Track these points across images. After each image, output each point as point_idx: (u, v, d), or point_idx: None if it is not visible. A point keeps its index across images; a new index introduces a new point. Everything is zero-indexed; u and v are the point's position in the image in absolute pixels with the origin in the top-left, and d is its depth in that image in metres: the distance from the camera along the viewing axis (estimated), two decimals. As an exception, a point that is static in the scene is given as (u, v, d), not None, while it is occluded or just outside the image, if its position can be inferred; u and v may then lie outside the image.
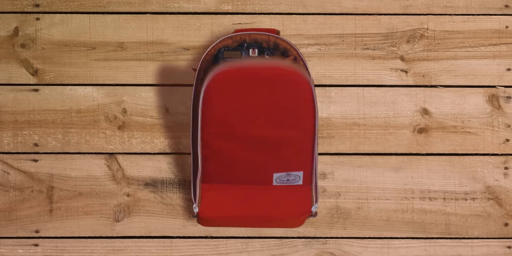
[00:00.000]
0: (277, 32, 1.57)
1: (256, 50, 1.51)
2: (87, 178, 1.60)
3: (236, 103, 1.41)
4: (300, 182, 1.49)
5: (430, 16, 1.64)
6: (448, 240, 1.60)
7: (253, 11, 1.64)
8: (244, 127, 1.43)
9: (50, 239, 1.59)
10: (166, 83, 1.62)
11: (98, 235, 1.59)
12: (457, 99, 1.63)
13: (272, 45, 1.56)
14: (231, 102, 1.41)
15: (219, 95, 1.41)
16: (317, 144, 1.59)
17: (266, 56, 1.50)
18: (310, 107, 1.42)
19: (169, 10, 1.64)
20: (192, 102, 1.54)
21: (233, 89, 1.40)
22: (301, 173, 1.48)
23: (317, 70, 1.63)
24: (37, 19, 1.63)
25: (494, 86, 1.63)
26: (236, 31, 1.55)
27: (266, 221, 1.51)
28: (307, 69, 1.55)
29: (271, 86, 1.40)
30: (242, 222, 1.52)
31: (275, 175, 1.49)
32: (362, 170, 1.61)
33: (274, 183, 1.49)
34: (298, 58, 1.54)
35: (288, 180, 1.49)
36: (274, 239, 1.60)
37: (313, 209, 1.50)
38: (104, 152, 1.61)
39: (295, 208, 1.50)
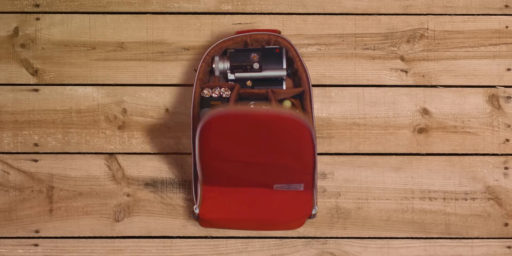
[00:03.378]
0: (279, 33, 1.57)
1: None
2: (87, 178, 1.60)
3: (233, 141, 1.39)
4: (301, 188, 1.49)
5: (430, 16, 1.64)
6: (448, 240, 1.60)
7: (253, 11, 1.64)
8: (242, 157, 1.41)
9: (50, 239, 1.59)
10: (166, 83, 1.62)
11: (98, 235, 1.59)
12: (457, 99, 1.63)
13: (273, 44, 1.57)
14: (227, 141, 1.39)
15: (215, 135, 1.38)
16: (316, 144, 1.59)
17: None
18: (310, 148, 1.40)
19: (169, 10, 1.64)
20: (192, 103, 1.54)
21: (229, 131, 1.37)
22: (301, 185, 1.48)
23: (317, 70, 1.63)
24: (37, 19, 1.63)
25: (494, 86, 1.63)
26: (238, 32, 1.56)
27: (267, 224, 1.51)
28: (305, 69, 1.55)
29: (269, 131, 1.37)
30: (243, 225, 1.52)
31: (276, 185, 1.49)
32: (362, 170, 1.61)
33: (275, 188, 1.49)
34: (300, 66, 1.55)
35: (289, 188, 1.49)
36: (274, 239, 1.60)
37: (313, 212, 1.50)
38: (104, 152, 1.61)
39: (295, 210, 1.50)
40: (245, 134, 1.37)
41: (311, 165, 1.43)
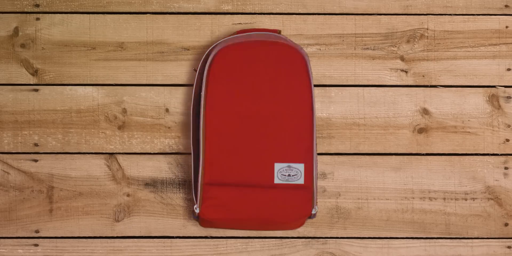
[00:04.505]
0: (279, 32, 1.57)
1: None
2: (87, 178, 1.60)
3: (237, 77, 1.50)
4: (302, 181, 1.49)
5: (430, 16, 1.64)
6: (448, 240, 1.60)
7: (253, 11, 1.64)
8: (244, 103, 1.50)
9: (50, 239, 1.59)
10: (166, 83, 1.62)
11: (98, 235, 1.59)
12: (457, 99, 1.63)
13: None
14: (233, 76, 1.50)
15: (223, 69, 1.50)
16: (316, 143, 1.59)
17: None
18: (306, 79, 1.52)
19: (169, 10, 1.64)
20: (192, 102, 1.54)
21: (234, 64, 1.50)
22: (302, 166, 1.48)
23: (317, 70, 1.63)
24: (37, 19, 1.63)
25: (494, 86, 1.63)
26: (238, 32, 1.55)
27: (267, 224, 1.51)
28: (308, 69, 1.55)
29: (269, 61, 1.50)
30: (243, 225, 1.52)
31: (276, 167, 1.49)
32: (362, 170, 1.61)
33: (276, 181, 1.49)
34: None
35: (289, 175, 1.49)
36: (274, 239, 1.60)
37: (313, 211, 1.50)
38: (104, 152, 1.61)
39: (296, 210, 1.49)
40: (247, 69, 1.51)
41: (309, 119, 1.51)
